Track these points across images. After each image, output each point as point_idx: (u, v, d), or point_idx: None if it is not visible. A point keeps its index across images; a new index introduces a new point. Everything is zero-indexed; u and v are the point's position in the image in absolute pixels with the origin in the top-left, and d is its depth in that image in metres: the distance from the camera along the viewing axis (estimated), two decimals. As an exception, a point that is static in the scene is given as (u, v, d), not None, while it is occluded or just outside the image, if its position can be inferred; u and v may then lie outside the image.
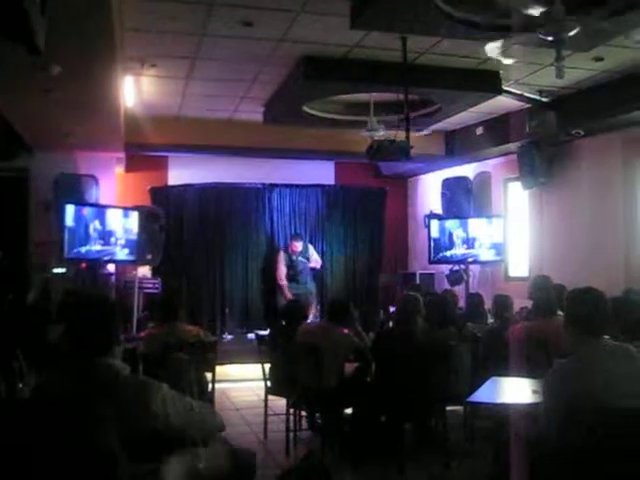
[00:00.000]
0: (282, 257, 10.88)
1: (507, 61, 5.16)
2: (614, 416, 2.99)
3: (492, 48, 4.74)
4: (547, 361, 3.93)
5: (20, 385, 3.42)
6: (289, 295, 10.48)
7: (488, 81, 7.38)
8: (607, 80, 7.37)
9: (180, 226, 11.07)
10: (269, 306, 11.21)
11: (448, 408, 5.27)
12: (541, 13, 4.08)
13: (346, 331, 5.74)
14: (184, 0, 5.32)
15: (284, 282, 10.73)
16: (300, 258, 10.78)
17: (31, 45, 2.32)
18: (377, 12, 5.06)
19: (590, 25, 4.33)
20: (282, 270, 10.76)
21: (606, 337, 3.37)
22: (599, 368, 3.11)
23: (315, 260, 11.04)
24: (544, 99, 8.07)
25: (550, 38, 4.20)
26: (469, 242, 9.93)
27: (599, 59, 6.63)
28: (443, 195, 10.67)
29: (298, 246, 10.86)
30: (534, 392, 3.73)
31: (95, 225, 8.48)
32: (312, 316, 10.03)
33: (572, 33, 4.14)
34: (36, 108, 6.79)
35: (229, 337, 10.42)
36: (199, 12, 5.56)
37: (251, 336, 10.13)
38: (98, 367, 2.35)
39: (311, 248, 11.14)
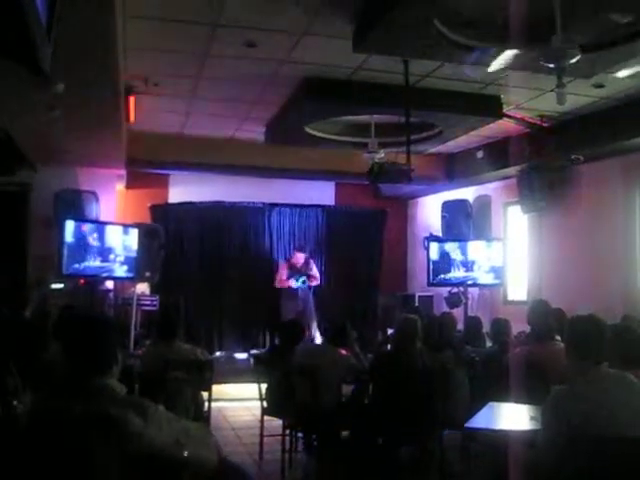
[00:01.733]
0: (285, 266, 10.90)
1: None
2: (612, 444, 2.97)
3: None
4: (545, 387, 3.91)
5: (15, 402, 3.39)
6: (293, 284, 10.65)
7: (489, 105, 7.43)
8: (607, 106, 7.42)
9: (180, 244, 11.08)
10: (268, 325, 11.19)
11: (445, 432, 5.24)
12: (543, 41, 4.11)
13: (344, 352, 5.73)
14: (188, 20, 5.37)
15: (285, 280, 10.73)
16: (300, 284, 10.76)
17: (36, 68, 2.34)
18: (379, 36, 5.10)
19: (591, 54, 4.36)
20: (283, 274, 10.78)
21: (605, 364, 3.37)
22: (598, 396, 3.10)
23: (314, 277, 11.00)
24: (544, 124, 8.12)
25: (551, 65, 4.24)
26: (468, 265, 9.93)
27: (599, 86, 6.68)
28: (443, 217, 10.69)
29: (300, 258, 10.84)
30: (532, 419, 3.71)
31: (94, 241, 8.48)
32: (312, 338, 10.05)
33: (573, 60, 4.17)
34: (39, 124, 6.81)
35: (227, 356, 10.38)
36: (203, 32, 5.61)
37: (248, 356, 10.12)
38: (96, 387, 2.34)
39: (312, 263, 11.10)
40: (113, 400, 2.32)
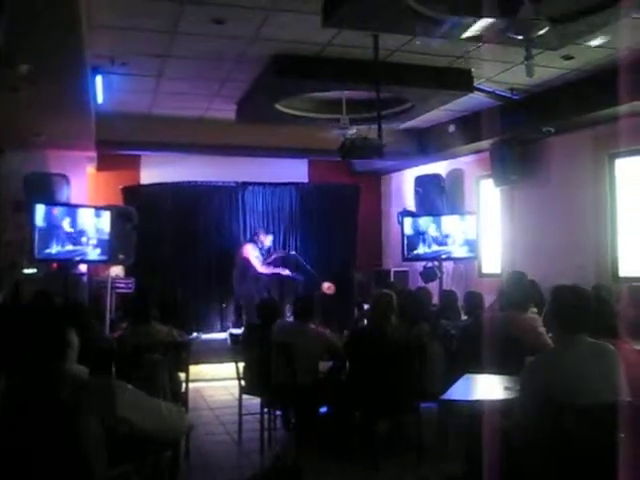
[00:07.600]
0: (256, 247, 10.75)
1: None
2: (587, 411, 3.02)
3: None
4: (519, 357, 3.96)
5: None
6: (284, 272, 10.56)
7: (460, 79, 7.42)
8: (577, 78, 7.44)
9: (153, 225, 10.95)
10: (242, 304, 11.19)
11: (422, 405, 5.29)
12: (511, 13, 4.11)
13: (321, 330, 5.75)
14: (154, -3, 5.28)
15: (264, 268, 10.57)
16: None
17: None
18: (348, 11, 5.05)
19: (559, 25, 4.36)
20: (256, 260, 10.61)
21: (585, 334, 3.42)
22: (574, 364, 3.14)
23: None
24: (515, 97, 8.13)
25: (520, 37, 4.24)
26: (442, 239, 9.98)
27: (569, 58, 6.70)
28: (416, 192, 10.72)
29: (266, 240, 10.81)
30: (506, 389, 3.77)
31: (66, 225, 8.36)
32: None
33: (541, 32, 4.18)
34: (5, 107, 6.69)
35: (203, 336, 10.36)
36: (170, 9, 5.51)
37: (225, 335, 10.12)
38: (56, 373, 2.32)
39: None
40: (77, 384, 2.30)
